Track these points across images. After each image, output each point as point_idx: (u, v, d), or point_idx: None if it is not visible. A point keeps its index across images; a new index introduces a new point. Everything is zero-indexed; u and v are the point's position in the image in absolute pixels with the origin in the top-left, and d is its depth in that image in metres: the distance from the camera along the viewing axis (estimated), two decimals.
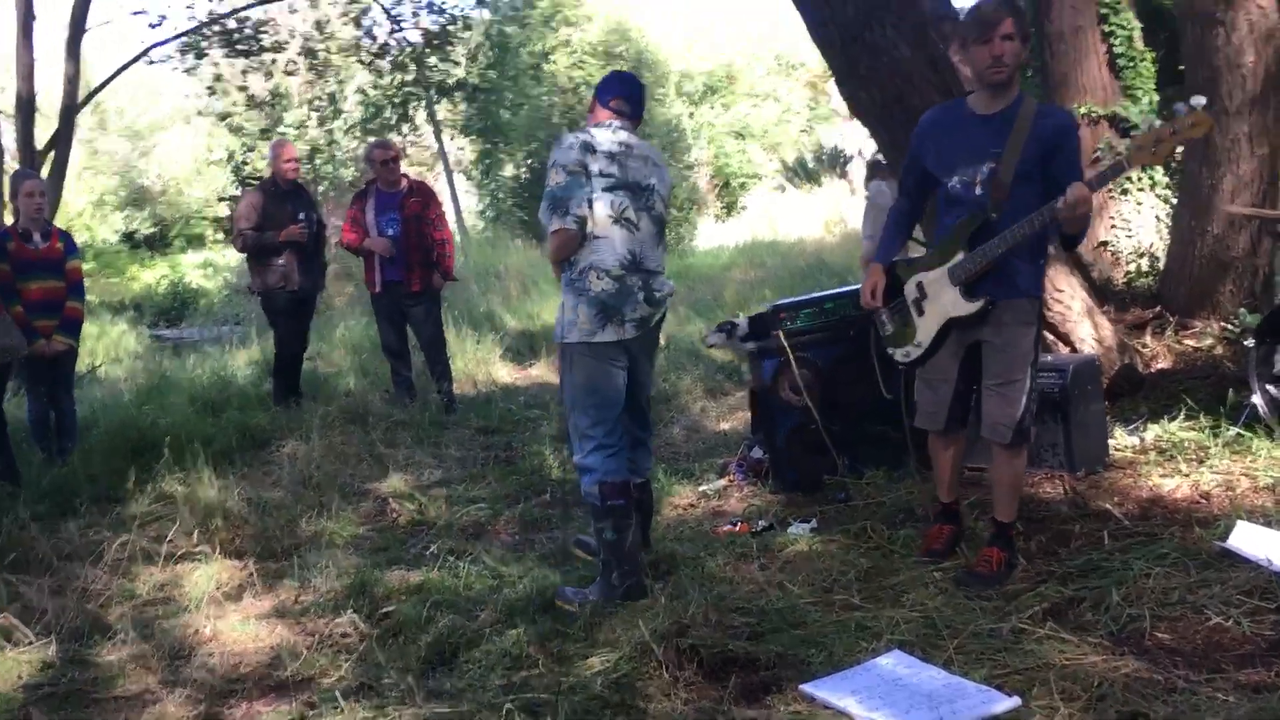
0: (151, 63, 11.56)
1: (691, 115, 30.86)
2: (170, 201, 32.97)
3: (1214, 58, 5.44)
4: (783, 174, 33.67)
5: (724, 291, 13.51)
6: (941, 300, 3.73)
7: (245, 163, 32.74)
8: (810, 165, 33.46)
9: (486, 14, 16.64)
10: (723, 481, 5.39)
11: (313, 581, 4.45)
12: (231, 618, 4.16)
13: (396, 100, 12.55)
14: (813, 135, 36.41)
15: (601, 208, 3.83)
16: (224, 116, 14.47)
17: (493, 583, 4.26)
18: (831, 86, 32.74)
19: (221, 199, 33.29)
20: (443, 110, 17.34)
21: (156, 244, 32.26)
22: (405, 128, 13.32)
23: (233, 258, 25.83)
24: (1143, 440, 4.83)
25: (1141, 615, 3.08)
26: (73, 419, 6.43)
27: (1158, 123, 3.53)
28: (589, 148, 3.85)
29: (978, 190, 3.60)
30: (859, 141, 33.61)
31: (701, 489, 5.34)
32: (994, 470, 3.77)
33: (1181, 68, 6.09)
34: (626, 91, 4.12)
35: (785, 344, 4.98)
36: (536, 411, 7.60)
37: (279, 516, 5.31)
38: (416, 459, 6.54)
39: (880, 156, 15.99)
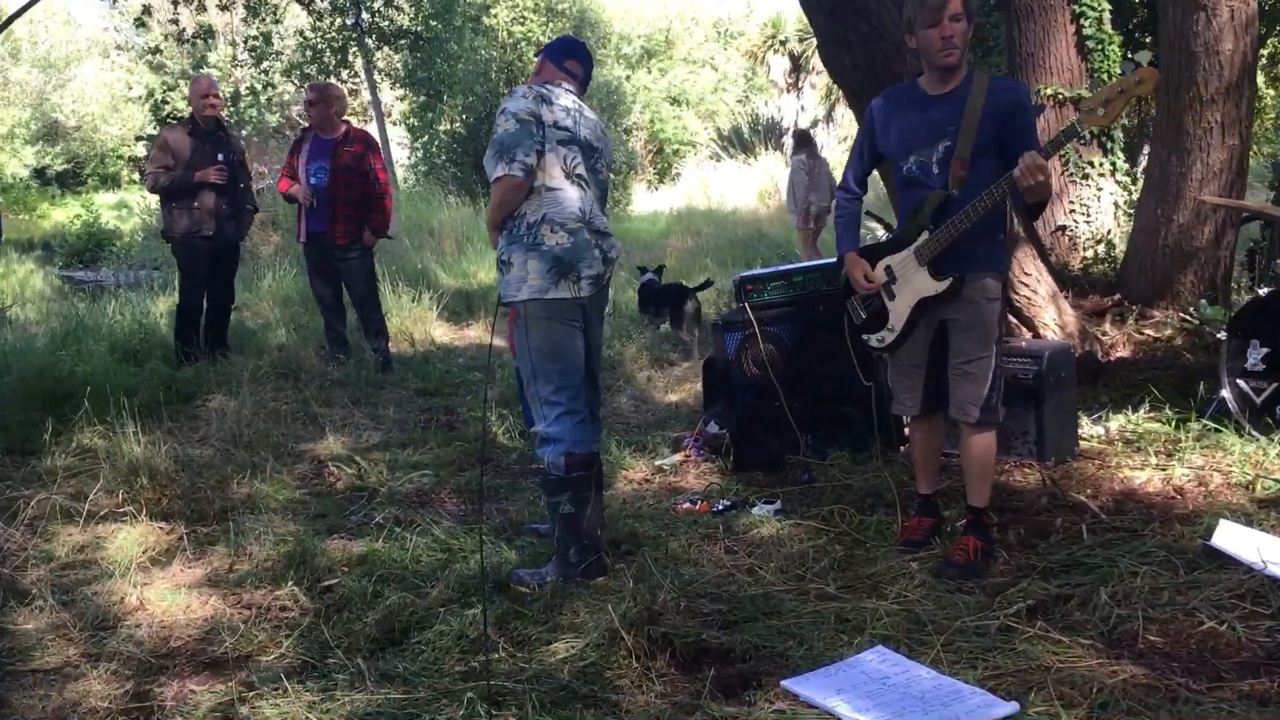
0: None
1: (628, 79, 30.51)
2: (85, 138, 31.75)
3: (1192, 42, 5.36)
4: (718, 143, 33.58)
5: (664, 259, 13.32)
6: (912, 282, 3.65)
7: (165, 101, 31.68)
8: (746, 136, 33.43)
9: None
10: (678, 456, 5.22)
11: (248, 548, 4.18)
12: (160, 585, 3.88)
13: (336, 45, 12.03)
14: (748, 105, 36.36)
15: (555, 160, 3.67)
16: (152, 51, 13.75)
17: (441, 556, 4.04)
18: (772, 58, 32.75)
19: (139, 138, 32.19)
20: (379, 59, 16.75)
21: (69, 181, 31.10)
22: (345, 74, 12.79)
23: (151, 200, 24.99)
24: (1107, 430, 4.76)
25: (1132, 616, 2.97)
26: None
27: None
28: (544, 99, 3.68)
29: (935, 169, 3.56)
30: (794, 114, 33.74)
31: (657, 464, 5.17)
32: (963, 453, 3.67)
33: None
34: (582, 57, 3.99)
35: (751, 317, 4.81)
36: (476, 375, 7.35)
37: (208, 476, 5.01)
38: (353, 419, 6.27)
39: (809, 130, 16.32)
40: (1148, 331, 5.67)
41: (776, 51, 32.34)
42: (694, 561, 3.81)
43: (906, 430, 4.89)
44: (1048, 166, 3.31)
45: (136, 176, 32.33)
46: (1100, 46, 6.62)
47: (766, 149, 29.92)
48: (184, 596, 3.78)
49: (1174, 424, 4.64)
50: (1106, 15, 6.64)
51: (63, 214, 25.78)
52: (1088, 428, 4.76)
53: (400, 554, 4.07)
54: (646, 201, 27.17)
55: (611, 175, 4.19)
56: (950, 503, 4.02)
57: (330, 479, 5.19)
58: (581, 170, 3.75)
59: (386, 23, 11.65)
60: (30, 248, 20.79)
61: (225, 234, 7.25)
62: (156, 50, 14.14)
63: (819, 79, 32.92)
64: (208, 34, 12.00)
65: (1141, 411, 4.86)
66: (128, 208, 26.64)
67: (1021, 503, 4.03)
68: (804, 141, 12.41)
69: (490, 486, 5.09)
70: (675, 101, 34.42)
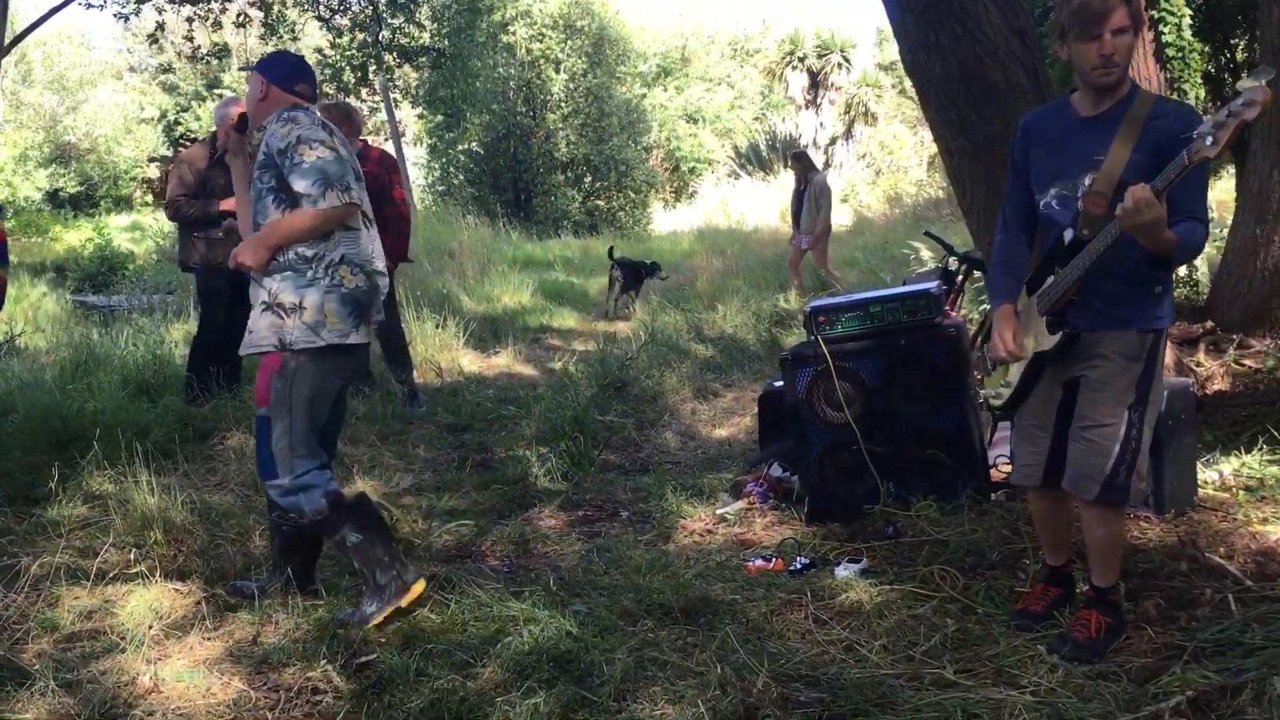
0: (89, 5, 10.55)
1: (645, 96, 30.22)
2: (98, 160, 31.49)
3: None
4: (735, 161, 33.24)
5: (695, 281, 12.92)
6: (1031, 332, 3.16)
7: (178, 122, 31.48)
8: (764, 153, 33.07)
9: None
10: (741, 503, 4.77)
11: (273, 616, 3.74)
12: (176, 662, 3.44)
13: (356, 62, 11.67)
14: (765, 123, 36.04)
15: None
16: (164, 69, 13.38)
17: (491, 626, 3.59)
18: (790, 74, 32.42)
19: (152, 159, 31.97)
20: (399, 77, 16.38)
21: (81, 204, 30.83)
22: (364, 92, 12.45)
23: (166, 222, 24.70)
24: (1222, 475, 4.30)
25: None
26: None
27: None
28: (328, 128, 3.59)
29: (1079, 205, 3.02)
30: (813, 130, 33.42)
31: (718, 512, 4.72)
32: (1084, 529, 3.20)
33: (1231, 66, 5.58)
34: (310, 78, 3.84)
35: (825, 351, 4.36)
36: (510, 409, 6.90)
37: (228, 528, 4.57)
38: (381, 459, 5.84)
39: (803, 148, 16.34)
40: (1247, 362, 5.21)
41: (795, 68, 32.08)
42: (779, 634, 3.37)
43: (995, 469, 4.45)
44: (1157, 204, 2.72)
45: (149, 199, 32.11)
46: (1181, 55, 6.17)
47: (785, 167, 29.55)
48: (203, 677, 3.33)
49: None
50: (1186, 22, 6.20)
51: (75, 237, 25.48)
52: (1200, 473, 4.30)
53: (443, 621, 3.63)
54: (664, 220, 26.84)
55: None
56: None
57: None
58: (367, 208, 3.70)
59: (407, 39, 11.27)
60: (43, 270, 20.48)
61: None
62: (168, 69, 13.80)
63: (837, 95, 32.67)
64: (221, 52, 11.65)
65: (1258, 453, 4.40)
66: (140, 229, 26.39)
67: (1150, 564, 3.56)
68: (802, 159, 12.54)
69: (534, 536, 4.65)
70: (691, 119, 34.11)
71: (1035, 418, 3.23)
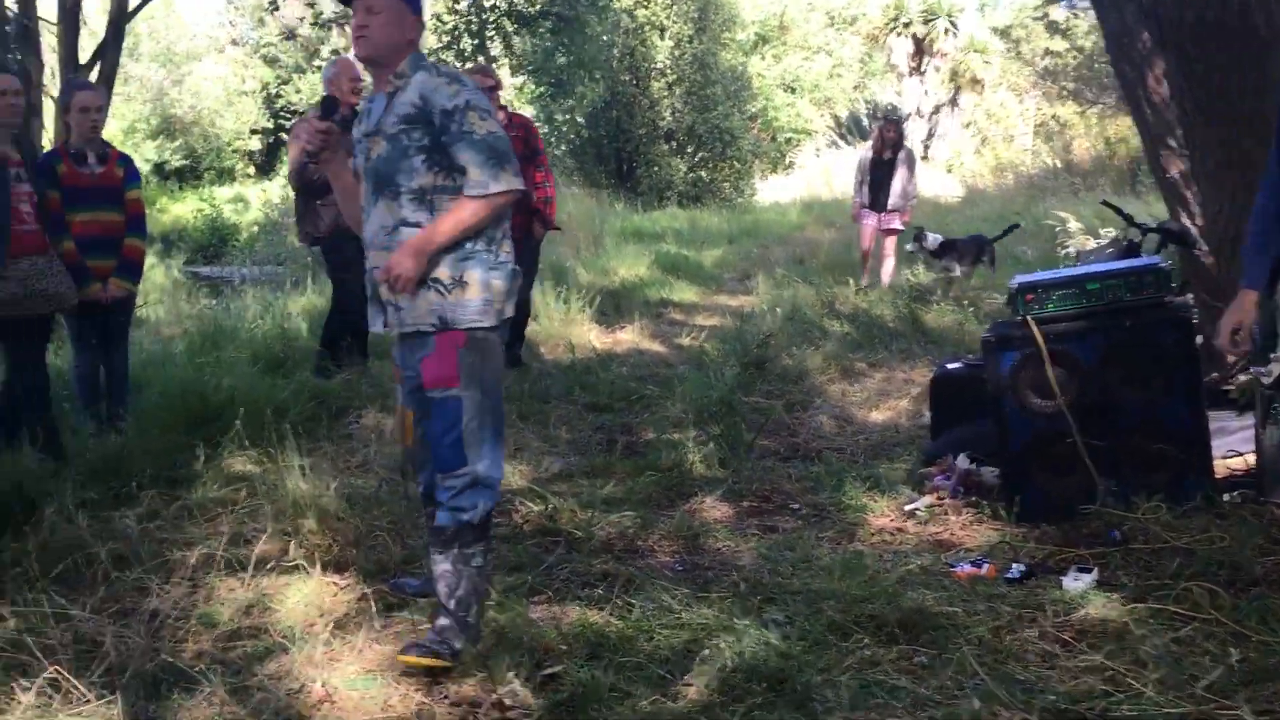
0: None
1: (743, 66, 29.56)
2: (202, 132, 31.84)
3: None
4: (835, 130, 32.42)
5: (816, 254, 12.45)
6: None
7: (279, 95, 31.70)
8: (865, 123, 32.20)
9: None
10: (928, 499, 4.37)
11: None
12: (347, 668, 3.17)
13: (474, 28, 11.32)
14: (865, 91, 35.08)
15: None
16: (290, 34, 13.20)
17: (681, 635, 3.26)
18: (894, 41, 31.45)
19: (253, 131, 32.28)
20: (498, 45, 16.05)
21: (186, 176, 31.24)
22: (480, 59, 12.12)
23: (270, 193, 24.87)
24: None
25: None
26: (125, 380, 5.43)
27: None
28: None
29: None
30: (916, 98, 32.45)
31: (907, 508, 4.32)
32: None
33: None
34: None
35: (1036, 332, 3.93)
36: (650, 388, 6.56)
37: (380, 517, 4.31)
38: (525, 441, 5.55)
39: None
40: None
41: (899, 34, 31.07)
42: (1017, 656, 2.98)
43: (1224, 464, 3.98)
44: None
45: (251, 170, 32.45)
46: None
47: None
48: (378, 687, 3.06)
49: None
50: None
51: (181, 208, 25.83)
52: None
53: (628, 628, 3.32)
54: (764, 191, 26.26)
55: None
56: None
57: (517, 520, 4.45)
58: None
59: (525, 3, 10.93)
60: (151, 242, 20.75)
61: None
62: (291, 34, 13.61)
63: (942, 62, 31.63)
64: (344, 18, 11.38)
65: None
66: (244, 201, 26.63)
67: None
68: (898, 123, 10.92)
69: (703, 529, 4.31)
70: (789, 89, 33.31)
71: None
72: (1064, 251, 9.41)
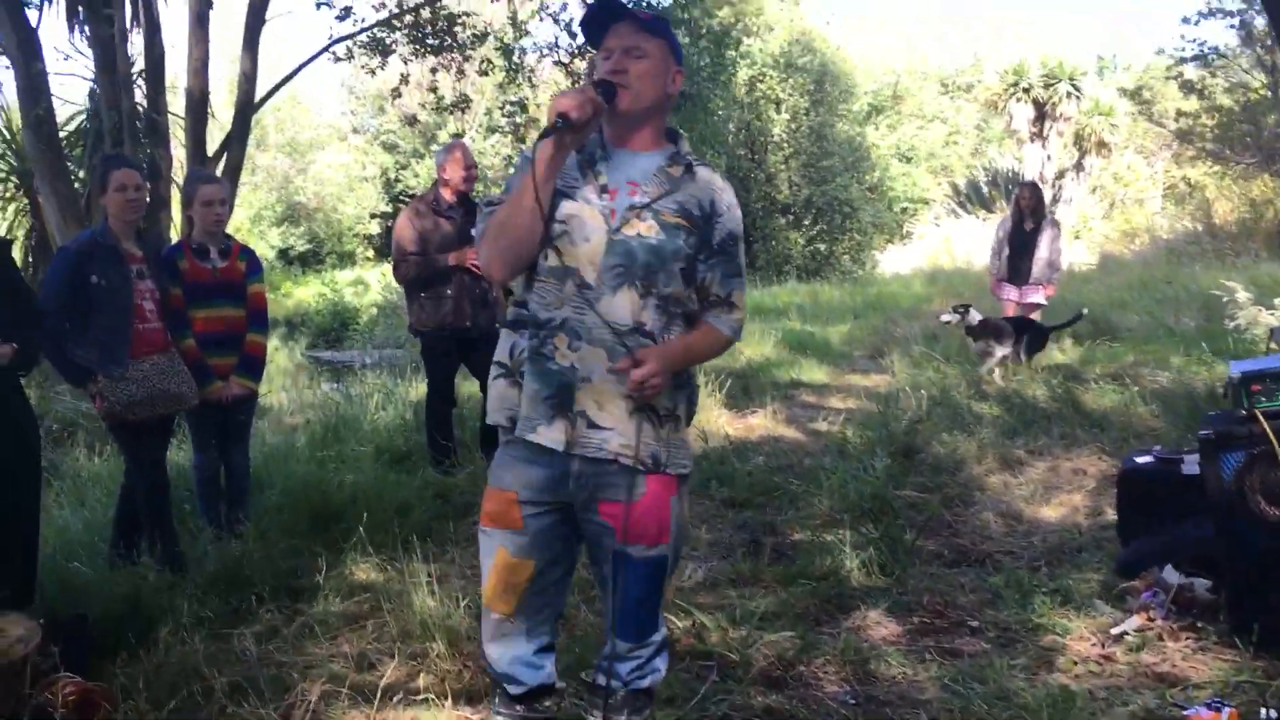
0: (336, 59, 10.44)
1: (860, 136, 29.22)
2: (325, 218, 32.77)
3: None
4: (954, 199, 31.70)
5: (950, 329, 11.83)
6: None
7: (398, 180, 32.48)
8: (985, 190, 31.43)
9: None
10: (1136, 619, 3.80)
11: None
12: None
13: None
14: (983, 158, 34.32)
15: None
16: (411, 120, 13.27)
17: None
18: (1014, 106, 30.72)
19: (373, 215, 33.08)
20: None
21: (309, 261, 32.08)
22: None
23: (389, 276, 25.21)
24: None
25: None
26: (246, 479, 5.19)
27: None
28: None
29: None
30: (1039, 164, 31.56)
31: (1113, 631, 3.77)
32: None
33: None
34: None
35: (1267, 428, 3.39)
36: (794, 482, 6.09)
37: None
38: None
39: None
40: None
41: (1019, 99, 30.30)
42: None
43: None
44: None
45: (370, 254, 33.18)
46: None
47: (1008, 204, 27.94)
48: None
49: None
50: None
51: (304, 292, 26.37)
52: None
53: None
54: (883, 263, 25.69)
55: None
56: None
57: None
58: None
59: None
60: (274, 326, 21.11)
61: (480, 324, 6.25)
62: (412, 121, 13.72)
63: (1065, 126, 30.75)
64: (463, 103, 11.40)
65: None
66: (364, 284, 27.09)
67: None
68: (1037, 191, 10.03)
69: (872, 654, 3.81)
70: (905, 158, 32.82)
71: None
72: (1233, 324, 8.67)
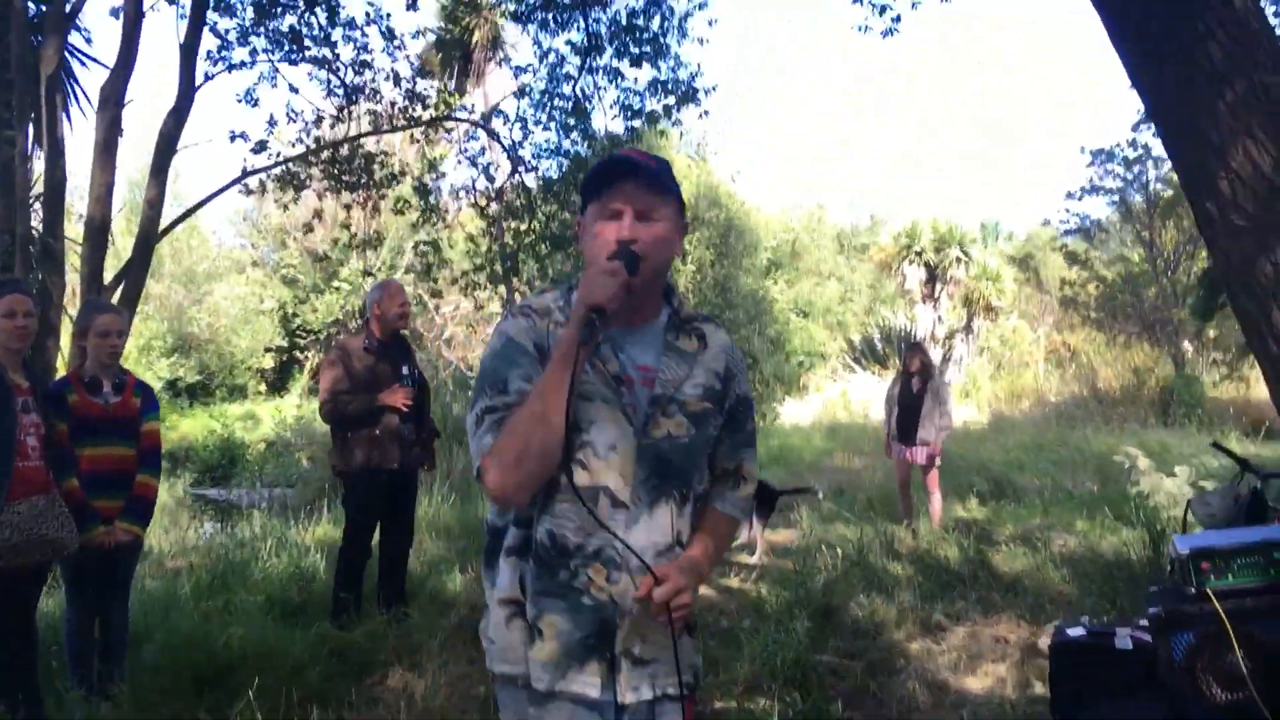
0: (249, 192, 10.27)
1: (763, 290, 29.93)
2: (216, 350, 31.99)
3: None
4: (849, 354, 32.44)
5: (856, 483, 11.87)
6: None
7: (295, 314, 31.97)
8: (879, 347, 32.26)
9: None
10: None
11: None
12: None
13: (508, 250, 11.14)
14: (875, 316, 35.35)
15: None
16: (320, 256, 13.05)
17: None
18: (907, 268, 31.84)
19: (268, 349, 32.39)
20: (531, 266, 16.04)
21: (197, 393, 31.14)
22: (515, 281, 11.93)
23: (282, 411, 24.52)
24: None
25: None
26: (124, 633, 4.74)
27: None
28: None
29: None
30: (930, 324, 32.62)
31: None
32: None
33: None
34: None
35: (1219, 609, 3.30)
36: (710, 641, 5.84)
37: None
38: None
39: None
40: None
41: (912, 262, 31.48)
42: None
43: None
44: None
45: (263, 388, 32.37)
46: None
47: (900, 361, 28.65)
48: None
49: None
50: None
51: (190, 425, 25.46)
52: None
53: None
54: (782, 415, 25.93)
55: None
56: None
57: None
58: None
59: (559, 226, 10.78)
60: None
61: (409, 465, 6.01)
62: (324, 255, 13.54)
63: (955, 289, 31.94)
64: (376, 241, 11.29)
65: None
66: (255, 418, 26.32)
67: None
68: (924, 351, 10.15)
69: None
70: (802, 313, 33.67)
71: None
72: (1135, 490, 8.80)
